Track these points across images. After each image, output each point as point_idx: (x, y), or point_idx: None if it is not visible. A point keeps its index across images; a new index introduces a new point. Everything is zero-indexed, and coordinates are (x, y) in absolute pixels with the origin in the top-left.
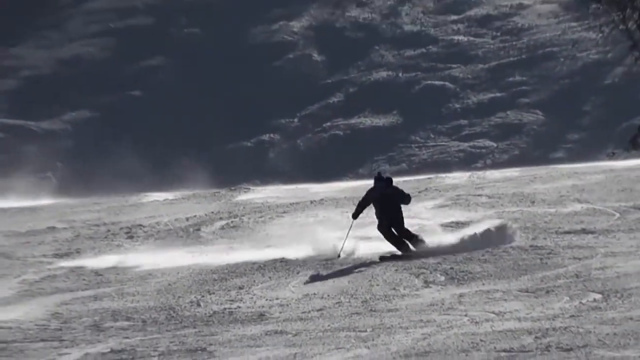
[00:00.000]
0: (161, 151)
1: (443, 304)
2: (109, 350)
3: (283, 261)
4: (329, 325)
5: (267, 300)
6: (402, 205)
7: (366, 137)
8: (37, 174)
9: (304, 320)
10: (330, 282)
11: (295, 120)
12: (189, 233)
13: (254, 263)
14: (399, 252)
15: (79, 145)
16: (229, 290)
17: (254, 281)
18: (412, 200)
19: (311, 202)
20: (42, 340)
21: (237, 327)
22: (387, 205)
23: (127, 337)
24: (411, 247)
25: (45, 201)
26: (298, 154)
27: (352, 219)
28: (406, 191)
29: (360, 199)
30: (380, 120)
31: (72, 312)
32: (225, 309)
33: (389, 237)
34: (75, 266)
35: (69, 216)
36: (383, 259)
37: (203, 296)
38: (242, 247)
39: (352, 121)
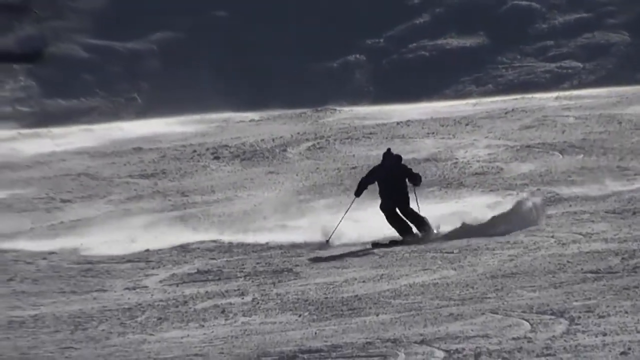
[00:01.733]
0: (247, 72)
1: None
2: (195, 271)
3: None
4: (415, 247)
5: (354, 222)
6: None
7: (452, 58)
8: (122, 95)
9: None
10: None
11: (381, 40)
12: (274, 154)
13: (339, 185)
14: (399, 238)
15: (164, 65)
16: (315, 212)
17: (341, 203)
18: (501, 121)
19: (397, 123)
20: (129, 261)
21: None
22: (394, 185)
23: (213, 258)
24: (416, 232)
25: (131, 122)
26: (384, 74)
27: (354, 196)
28: (415, 170)
29: (365, 175)
30: (466, 41)
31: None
32: None
33: (393, 218)
34: (161, 186)
35: (155, 137)
36: (376, 245)
37: (290, 217)
38: (329, 168)
39: (438, 42)
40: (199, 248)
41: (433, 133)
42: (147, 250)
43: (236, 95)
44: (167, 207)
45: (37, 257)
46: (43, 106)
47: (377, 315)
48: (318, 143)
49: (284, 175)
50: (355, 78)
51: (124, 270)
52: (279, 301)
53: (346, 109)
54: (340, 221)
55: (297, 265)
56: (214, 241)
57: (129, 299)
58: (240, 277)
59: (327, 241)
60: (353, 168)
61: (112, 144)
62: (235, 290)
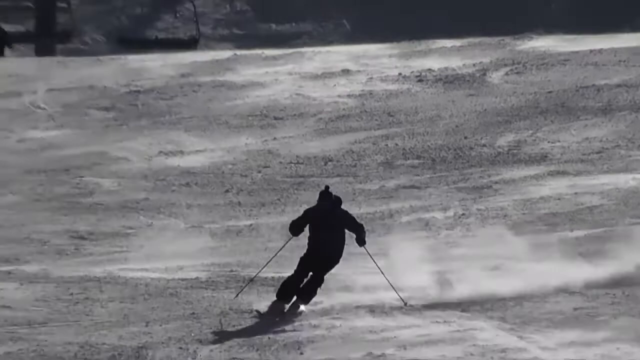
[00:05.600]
0: (447, 1)
1: None
2: (399, 185)
3: (564, 106)
4: (607, 167)
5: (549, 142)
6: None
7: None
8: (331, 20)
9: (584, 161)
10: (608, 126)
11: None
12: (475, 78)
13: (536, 107)
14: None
15: None
16: (514, 132)
17: (537, 124)
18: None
19: (590, 51)
20: (338, 175)
21: (520, 167)
22: (328, 234)
23: (417, 175)
24: (296, 300)
25: (339, 46)
26: (580, 4)
27: (290, 235)
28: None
29: (296, 217)
30: None
31: (365, 150)
32: (510, 150)
33: (295, 278)
34: (368, 106)
35: (362, 60)
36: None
37: (489, 136)
38: (526, 92)
39: None
40: (403, 165)
41: (624, 61)
42: (355, 166)
43: (447, 21)
44: (373, 126)
45: (253, 170)
46: (257, 30)
47: (572, 231)
48: (515, 68)
49: (484, 97)
50: (552, 8)
51: (333, 184)
52: (479, 216)
53: (542, 37)
54: (268, 262)
55: (496, 183)
56: (419, 158)
57: None
58: (443, 192)
59: (237, 295)
60: (549, 92)
61: (322, 66)
62: (438, 205)
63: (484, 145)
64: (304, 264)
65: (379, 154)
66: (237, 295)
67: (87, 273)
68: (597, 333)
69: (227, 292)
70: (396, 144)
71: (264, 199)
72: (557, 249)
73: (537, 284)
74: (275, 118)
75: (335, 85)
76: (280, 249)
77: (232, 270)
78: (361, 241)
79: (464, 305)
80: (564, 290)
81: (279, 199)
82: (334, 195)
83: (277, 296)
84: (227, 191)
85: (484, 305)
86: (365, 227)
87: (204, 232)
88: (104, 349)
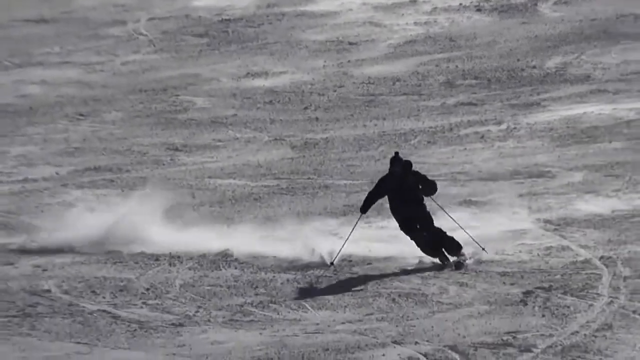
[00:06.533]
0: None
1: None
2: (459, 102)
3: (606, 32)
4: None
5: (592, 64)
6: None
7: None
8: None
9: (623, 81)
10: None
11: None
12: (527, 7)
13: (581, 33)
14: (435, 260)
15: None
16: (561, 55)
17: (582, 48)
18: None
19: None
20: (404, 94)
21: (566, 86)
22: (407, 197)
23: (474, 93)
24: (449, 257)
25: None
26: None
27: (360, 213)
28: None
29: (372, 188)
30: None
31: (429, 71)
32: (557, 71)
33: (420, 240)
34: (432, 33)
35: None
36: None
37: (539, 59)
38: (572, 20)
39: None
40: (462, 84)
41: None
42: (420, 86)
43: None
44: (436, 50)
45: (329, 90)
46: None
47: (610, 142)
48: None
49: (534, 25)
50: None
51: (400, 101)
52: (528, 129)
53: None
54: (345, 243)
55: (545, 100)
56: (476, 78)
57: (404, 125)
58: (497, 108)
59: (332, 263)
60: (592, 20)
61: None
62: (492, 119)
63: (534, 67)
64: (413, 232)
65: (441, 74)
66: (332, 263)
67: (181, 180)
68: (630, 232)
69: (304, 197)
70: (456, 66)
71: (338, 115)
72: (596, 159)
73: (578, 189)
74: (350, 43)
75: (403, 14)
76: (353, 229)
77: (309, 178)
78: (429, 194)
79: (515, 208)
80: (602, 195)
81: (351, 115)
82: (404, 160)
83: (437, 258)
84: (305, 108)
85: (531, 208)
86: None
87: (285, 144)
88: (194, 248)
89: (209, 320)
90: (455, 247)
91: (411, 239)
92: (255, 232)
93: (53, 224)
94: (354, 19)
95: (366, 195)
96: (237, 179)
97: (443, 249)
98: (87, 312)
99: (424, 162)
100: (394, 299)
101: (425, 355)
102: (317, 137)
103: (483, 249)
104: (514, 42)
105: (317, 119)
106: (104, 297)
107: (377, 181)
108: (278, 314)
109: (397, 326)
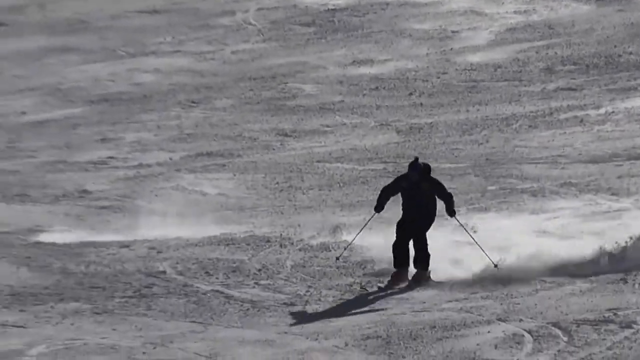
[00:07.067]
0: None
1: None
2: (558, 87)
3: None
4: None
5: None
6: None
7: None
8: None
9: None
10: None
11: None
12: None
13: None
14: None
15: None
16: None
17: None
18: None
19: None
20: (505, 80)
21: None
22: (417, 202)
23: (573, 78)
24: (410, 271)
25: None
26: None
27: (373, 211)
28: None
29: (388, 183)
30: None
31: (529, 57)
32: None
33: (398, 245)
34: (531, 21)
35: None
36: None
37: (635, 45)
38: None
39: None
40: (562, 70)
41: None
42: (520, 72)
43: None
44: (536, 37)
45: (432, 76)
46: None
47: None
48: None
49: (631, 12)
50: None
51: (501, 87)
52: (626, 113)
53: None
54: (355, 238)
55: None
56: (575, 64)
57: (505, 110)
58: (596, 93)
59: (338, 258)
60: None
61: None
62: (591, 104)
63: (631, 53)
64: (401, 229)
65: (541, 61)
66: (338, 258)
67: (291, 165)
68: None
69: None
70: (555, 53)
71: (441, 100)
72: None
73: None
74: (452, 31)
75: (503, 2)
76: (365, 224)
77: None
78: (451, 212)
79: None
80: None
81: (454, 100)
82: (423, 164)
83: (395, 267)
84: (410, 94)
85: (630, 189)
86: (454, 197)
87: (390, 129)
88: (305, 228)
89: (319, 300)
90: (424, 263)
91: (395, 236)
92: (362, 215)
93: (167, 208)
94: (455, 8)
95: (381, 189)
96: (345, 163)
97: (413, 260)
98: (201, 293)
99: (525, 145)
100: (498, 279)
101: (529, 331)
102: (421, 122)
103: (495, 265)
104: (610, 29)
105: (421, 104)
106: (217, 278)
107: (394, 178)
108: (386, 293)
109: (501, 304)
